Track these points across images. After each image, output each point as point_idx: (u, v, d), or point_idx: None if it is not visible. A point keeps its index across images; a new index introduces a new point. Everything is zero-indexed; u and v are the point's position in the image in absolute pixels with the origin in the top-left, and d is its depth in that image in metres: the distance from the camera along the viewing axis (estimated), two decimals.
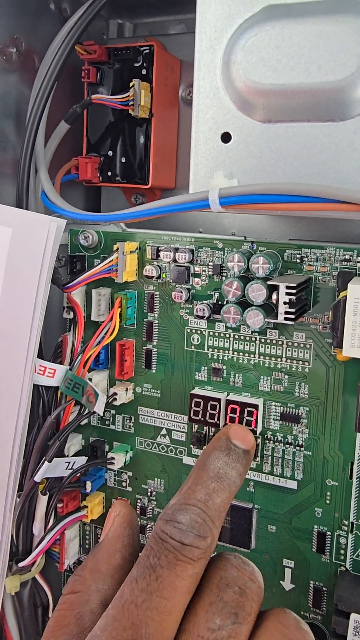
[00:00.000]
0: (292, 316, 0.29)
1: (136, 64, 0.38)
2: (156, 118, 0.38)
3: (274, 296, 0.30)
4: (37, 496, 0.34)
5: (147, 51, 0.38)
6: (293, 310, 0.29)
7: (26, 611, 0.37)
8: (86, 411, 0.35)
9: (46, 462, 0.33)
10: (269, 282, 0.30)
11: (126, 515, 0.26)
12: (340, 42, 0.26)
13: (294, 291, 0.29)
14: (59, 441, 0.34)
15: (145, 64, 0.38)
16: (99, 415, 0.38)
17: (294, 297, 0.29)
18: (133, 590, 0.21)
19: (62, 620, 0.23)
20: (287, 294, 0.29)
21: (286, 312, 0.29)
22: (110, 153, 0.40)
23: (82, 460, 0.36)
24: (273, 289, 0.30)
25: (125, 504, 0.27)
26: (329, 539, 0.32)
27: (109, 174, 0.40)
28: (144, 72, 0.38)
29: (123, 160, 0.39)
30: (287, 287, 0.29)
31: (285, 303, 0.29)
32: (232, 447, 0.26)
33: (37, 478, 0.33)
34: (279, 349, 0.32)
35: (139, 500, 0.37)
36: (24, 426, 0.33)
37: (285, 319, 0.29)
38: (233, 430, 0.27)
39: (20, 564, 0.34)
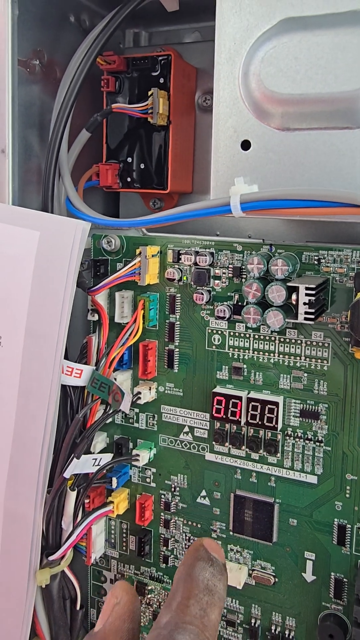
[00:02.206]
0: (312, 316, 0.30)
1: (154, 73, 0.39)
2: (174, 125, 0.39)
3: (294, 297, 0.31)
4: (66, 492, 0.36)
5: (165, 60, 0.39)
6: (313, 310, 0.30)
7: (55, 603, 0.38)
8: (111, 410, 0.36)
9: (74, 459, 0.34)
10: (289, 284, 0.31)
11: (127, 605, 0.23)
12: (356, 53, 0.27)
13: (313, 292, 0.30)
14: (87, 439, 0.35)
15: (163, 73, 0.39)
16: (123, 413, 0.39)
17: (313, 298, 0.30)
18: None
19: None
20: (307, 294, 0.30)
21: (306, 313, 0.30)
22: (129, 160, 0.41)
23: (108, 457, 0.37)
24: (292, 290, 0.31)
25: (127, 588, 0.24)
26: (349, 532, 0.33)
27: (128, 179, 0.41)
28: (161, 80, 0.39)
29: (142, 166, 0.40)
30: (307, 289, 0.30)
31: (305, 304, 0.30)
32: (213, 558, 0.24)
33: (67, 474, 0.34)
34: (298, 348, 0.34)
35: (162, 496, 0.39)
36: (53, 425, 0.34)
37: (305, 319, 0.30)
38: (207, 543, 0.25)
39: (50, 558, 0.36)
